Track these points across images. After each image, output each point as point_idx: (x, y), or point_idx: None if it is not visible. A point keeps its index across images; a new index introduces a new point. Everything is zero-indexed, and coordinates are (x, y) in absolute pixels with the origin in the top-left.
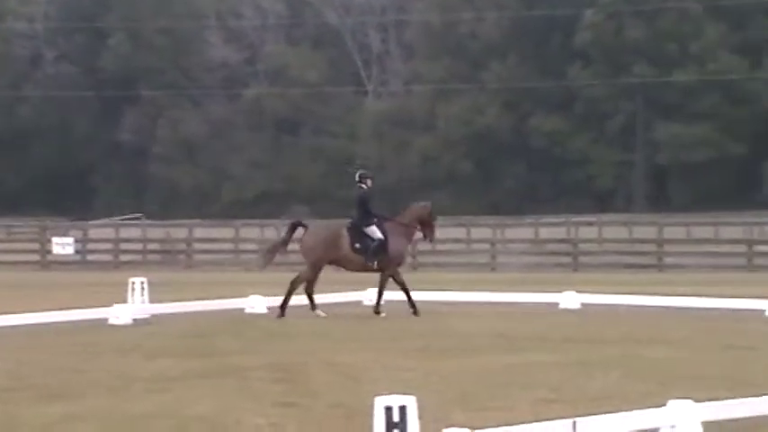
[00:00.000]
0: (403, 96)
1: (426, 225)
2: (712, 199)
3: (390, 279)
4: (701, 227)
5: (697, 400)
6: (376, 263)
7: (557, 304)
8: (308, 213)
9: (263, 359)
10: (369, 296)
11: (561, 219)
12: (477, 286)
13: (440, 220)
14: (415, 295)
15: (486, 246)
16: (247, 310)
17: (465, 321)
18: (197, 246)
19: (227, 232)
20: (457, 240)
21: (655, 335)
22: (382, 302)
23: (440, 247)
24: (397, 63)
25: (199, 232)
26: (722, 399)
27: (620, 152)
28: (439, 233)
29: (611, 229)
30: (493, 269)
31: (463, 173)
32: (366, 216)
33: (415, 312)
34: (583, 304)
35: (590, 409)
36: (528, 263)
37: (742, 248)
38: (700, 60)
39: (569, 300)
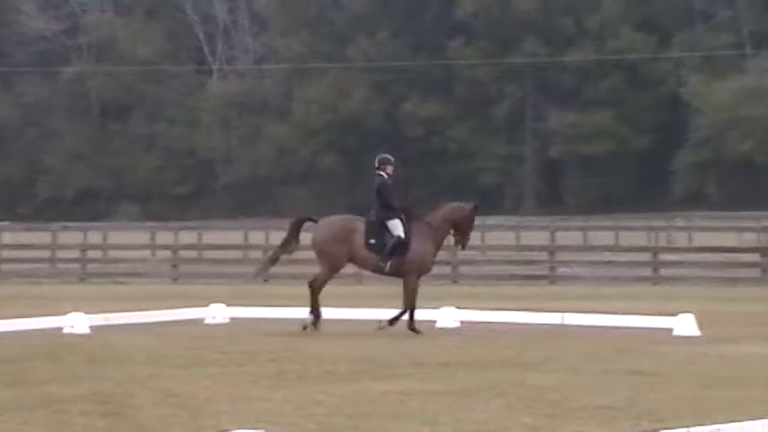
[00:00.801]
0: (253, 77)
1: (461, 229)
2: (612, 199)
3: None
4: (600, 232)
5: None
6: (388, 265)
7: (433, 322)
8: (138, 214)
9: (85, 388)
10: (212, 313)
11: None
12: (341, 301)
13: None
14: (266, 312)
15: None
16: (66, 330)
17: (327, 342)
18: (5, 253)
19: (41, 237)
20: None
21: (545, 358)
22: (402, 318)
23: (295, 255)
24: (246, 37)
25: (7, 237)
26: None
27: (507, 144)
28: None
29: (497, 234)
30: (360, 281)
31: (325, 167)
32: (387, 209)
33: (390, 324)
34: (463, 322)
35: None
36: None
37: (646, 257)
38: (598, 38)
39: (447, 317)
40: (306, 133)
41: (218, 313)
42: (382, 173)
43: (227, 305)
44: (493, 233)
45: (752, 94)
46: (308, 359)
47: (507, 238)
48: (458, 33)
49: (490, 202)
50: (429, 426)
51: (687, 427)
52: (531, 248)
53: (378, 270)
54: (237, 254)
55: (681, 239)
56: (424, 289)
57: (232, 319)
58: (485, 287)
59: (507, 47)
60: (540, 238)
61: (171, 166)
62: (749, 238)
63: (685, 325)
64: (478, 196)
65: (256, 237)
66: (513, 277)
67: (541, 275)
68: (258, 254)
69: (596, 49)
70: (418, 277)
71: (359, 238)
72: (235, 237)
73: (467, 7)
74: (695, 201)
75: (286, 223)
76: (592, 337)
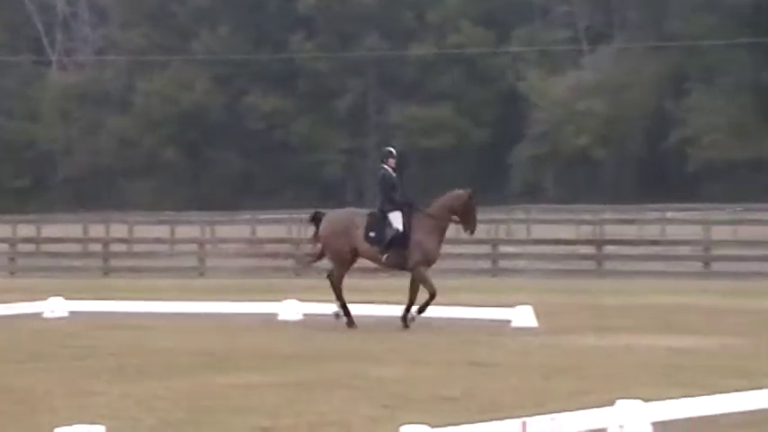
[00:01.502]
0: (94, 68)
1: (463, 216)
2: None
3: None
4: None
5: (433, 426)
6: (385, 257)
7: (276, 315)
8: None
9: None
10: (50, 307)
11: (282, 215)
12: (182, 295)
13: (139, 216)
14: (106, 305)
15: (194, 246)
16: None
17: (168, 336)
18: None
19: None
20: (158, 240)
21: (387, 350)
22: (410, 311)
23: (136, 248)
24: (86, 28)
25: None
26: (461, 423)
27: (350, 137)
28: (139, 231)
29: None
30: (201, 274)
31: (167, 160)
32: (388, 201)
33: (405, 325)
34: (306, 315)
35: None
36: (243, 266)
37: (486, 249)
38: (439, 32)
39: (290, 310)
40: (148, 125)
41: (56, 307)
42: (385, 165)
43: (66, 299)
44: None
45: (588, 90)
46: (148, 353)
47: None
48: (299, 27)
49: (333, 195)
50: (270, 418)
51: (525, 416)
52: None
53: (378, 262)
54: (77, 247)
55: (519, 232)
56: (264, 281)
57: (71, 312)
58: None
59: (349, 41)
60: None
61: (9, 159)
62: (586, 231)
63: (524, 316)
64: (321, 189)
65: (96, 230)
66: (357, 270)
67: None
68: (98, 247)
69: (437, 43)
70: (426, 267)
71: (360, 231)
72: (74, 230)
73: (308, 1)
74: (533, 194)
75: (127, 216)
76: (433, 328)
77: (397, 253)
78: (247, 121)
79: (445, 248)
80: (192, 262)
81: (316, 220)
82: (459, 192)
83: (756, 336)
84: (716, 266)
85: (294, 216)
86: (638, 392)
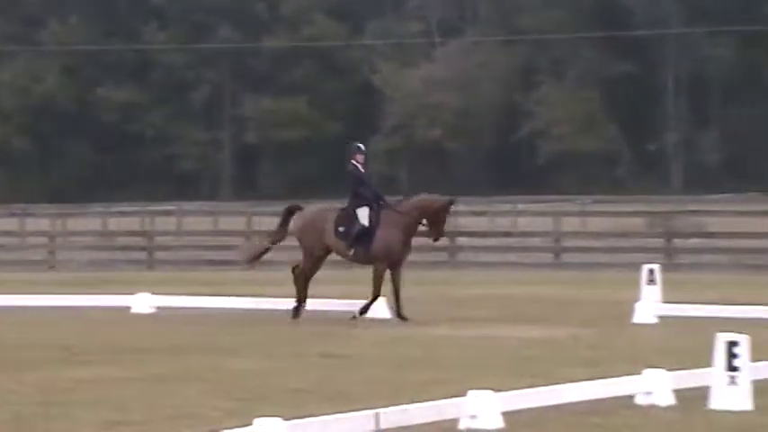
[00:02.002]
0: None
1: (432, 220)
2: (307, 185)
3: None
4: None
5: (286, 418)
6: (352, 252)
7: (128, 308)
8: None
9: None
10: None
11: (135, 207)
12: (31, 288)
13: None
14: None
15: (44, 239)
16: None
17: (17, 330)
18: None
19: None
20: (7, 233)
21: (242, 342)
22: (399, 304)
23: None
24: None
25: None
26: (315, 415)
27: (205, 129)
28: None
29: (194, 219)
30: (52, 267)
31: (18, 150)
32: (356, 197)
33: (361, 314)
34: (159, 308)
35: (162, 431)
36: (95, 259)
37: None
38: (292, 25)
39: (143, 303)
40: None
41: None
42: (353, 161)
43: None
44: (189, 218)
45: (440, 82)
46: (1, 347)
47: (204, 223)
48: (152, 18)
49: (188, 187)
50: (122, 412)
51: (378, 407)
52: (227, 234)
53: (346, 256)
54: None
55: None
56: (116, 274)
57: None
58: (181, 272)
59: (202, 32)
60: (236, 223)
61: None
62: None
63: (377, 308)
64: (176, 182)
65: None
66: (210, 263)
67: (235, 260)
68: None
69: (290, 35)
70: (386, 265)
71: (330, 227)
72: None
73: None
74: (388, 186)
75: None
76: (287, 321)
77: (363, 248)
78: (100, 112)
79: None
80: (42, 255)
81: (289, 212)
82: (436, 196)
83: (604, 326)
84: (566, 257)
85: (148, 208)
86: (489, 383)
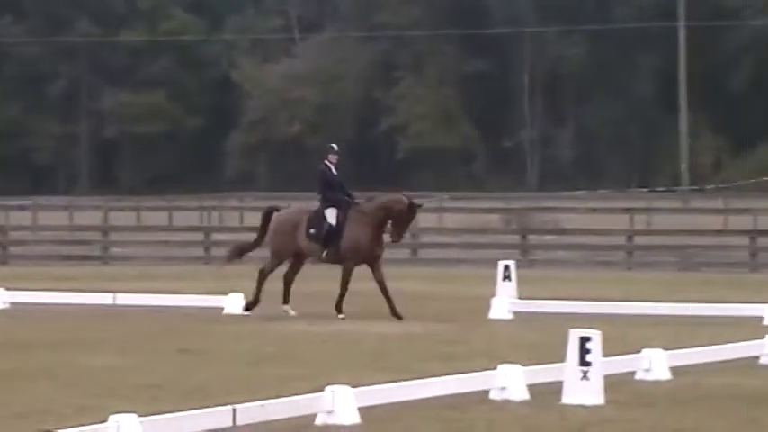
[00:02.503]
0: None
1: (395, 222)
2: (166, 180)
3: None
4: (154, 212)
5: (142, 414)
6: (324, 253)
7: None
8: None
9: None
10: None
11: None
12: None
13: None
14: None
15: None
16: None
17: None
18: None
19: None
20: None
21: (97, 338)
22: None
23: None
24: None
25: None
26: (172, 411)
27: (62, 123)
28: None
29: (49, 214)
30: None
31: None
32: (324, 198)
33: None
34: (13, 304)
35: (12, 429)
36: None
37: (199, 237)
38: (150, 19)
39: None
40: None
41: None
42: (326, 161)
43: None
44: (45, 213)
45: (300, 78)
46: None
47: (60, 218)
48: (8, 11)
49: (44, 181)
50: None
51: (235, 403)
52: (84, 229)
53: (319, 258)
54: None
55: (232, 219)
56: None
57: None
58: (36, 267)
59: (60, 25)
60: (93, 218)
61: None
62: None
63: (236, 304)
64: (31, 176)
65: None
66: (66, 258)
67: (95, 256)
68: None
69: (148, 29)
70: (356, 263)
71: (302, 229)
72: None
73: None
74: (247, 181)
75: None
76: (144, 317)
77: (334, 247)
78: None
79: (157, 235)
80: None
81: (267, 215)
82: (403, 198)
83: (460, 321)
84: (422, 253)
85: (2, 203)
86: (346, 378)
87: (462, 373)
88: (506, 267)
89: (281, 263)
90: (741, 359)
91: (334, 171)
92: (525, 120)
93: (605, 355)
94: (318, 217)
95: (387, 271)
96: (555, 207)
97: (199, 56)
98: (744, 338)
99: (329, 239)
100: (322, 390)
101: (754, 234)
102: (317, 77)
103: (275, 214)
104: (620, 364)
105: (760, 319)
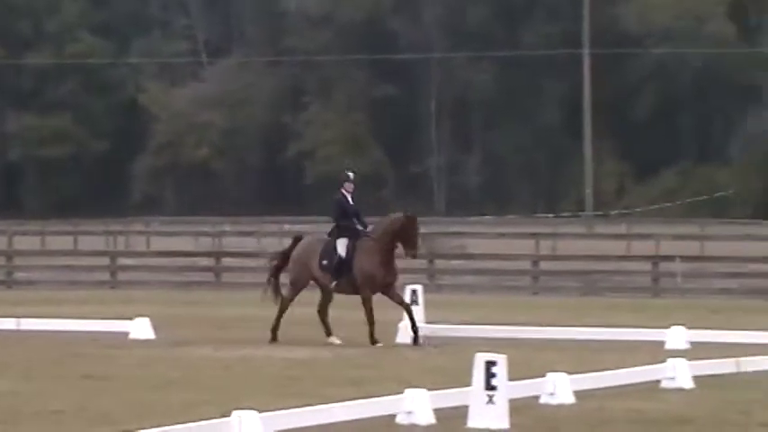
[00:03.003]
0: None
1: (403, 239)
2: (71, 204)
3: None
4: (59, 236)
5: None
6: (334, 284)
7: None
8: None
9: None
10: None
11: None
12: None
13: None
14: None
15: None
16: None
17: None
18: None
19: None
20: None
21: (0, 363)
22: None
23: None
24: None
25: None
26: None
27: None
28: None
29: None
30: None
31: None
32: (338, 228)
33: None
34: None
35: None
36: None
37: (105, 261)
38: (57, 42)
39: None
40: None
41: None
42: (342, 190)
43: None
44: None
45: (208, 102)
46: None
47: None
48: None
49: None
50: None
51: (140, 429)
52: None
53: (330, 289)
54: None
55: (139, 244)
56: None
57: None
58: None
59: None
60: None
61: None
62: (205, 243)
63: (141, 328)
64: None
65: None
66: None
67: None
68: None
69: (55, 52)
70: (372, 292)
71: (315, 260)
72: None
73: None
74: (153, 205)
75: None
76: (48, 341)
77: (346, 279)
78: None
79: (62, 260)
80: None
81: (295, 241)
82: (398, 215)
83: (366, 346)
84: None
85: None
86: (254, 403)
87: (370, 397)
88: (414, 292)
89: (298, 292)
90: (643, 383)
91: (350, 200)
92: (433, 146)
93: (511, 379)
94: (331, 248)
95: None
96: (462, 232)
97: (105, 79)
98: (646, 363)
99: (339, 271)
100: (229, 414)
101: (656, 259)
102: (224, 101)
103: (299, 244)
104: (525, 388)
105: (661, 343)
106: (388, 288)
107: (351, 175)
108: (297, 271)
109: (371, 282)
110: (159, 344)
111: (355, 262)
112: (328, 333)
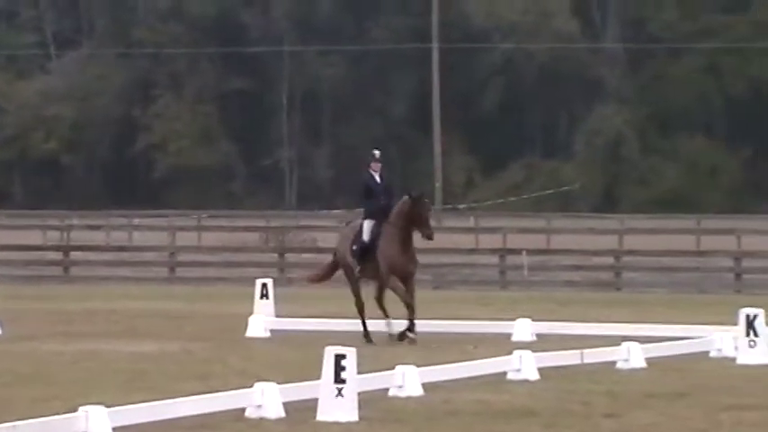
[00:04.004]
0: None
1: (416, 221)
2: None
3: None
4: None
5: None
6: (357, 269)
7: None
8: None
9: None
10: None
11: None
12: None
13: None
14: None
15: None
16: None
17: None
18: None
19: None
20: None
21: None
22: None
23: None
24: None
25: None
26: None
27: None
28: None
29: None
30: None
31: None
32: (364, 210)
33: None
34: None
35: None
36: None
37: None
38: None
39: None
40: None
41: None
42: (369, 170)
43: None
44: None
45: (56, 95)
46: None
47: None
48: None
49: None
50: None
51: None
52: None
53: (355, 275)
54: None
55: None
56: None
57: None
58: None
59: None
60: None
61: None
62: (53, 237)
63: None
64: None
65: None
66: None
67: None
68: None
69: None
70: (393, 275)
71: (347, 246)
72: None
73: None
74: (0, 199)
75: None
76: None
77: (369, 264)
78: None
79: None
80: None
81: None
82: (405, 197)
83: (217, 340)
84: (181, 272)
85: None
86: (102, 398)
87: (218, 391)
88: (264, 286)
89: (351, 277)
90: (490, 375)
91: (377, 179)
92: (283, 139)
93: (360, 373)
94: (360, 232)
95: (144, 290)
96: (313, 225)
97: None
98: (493, 355)
99: (363, 256)
100: (76, 410)
101: (503, 252)
102: (73, 94)
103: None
104: (374, 381)
105: (508, 335)
106: (408, 278)
107: (377, 153)
108: (341, 255)
109: (391, 268)
110: (6, 339)
111: (379, 247)
112: (386, 316)
